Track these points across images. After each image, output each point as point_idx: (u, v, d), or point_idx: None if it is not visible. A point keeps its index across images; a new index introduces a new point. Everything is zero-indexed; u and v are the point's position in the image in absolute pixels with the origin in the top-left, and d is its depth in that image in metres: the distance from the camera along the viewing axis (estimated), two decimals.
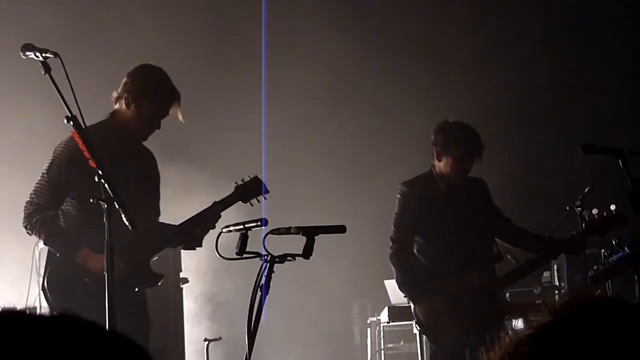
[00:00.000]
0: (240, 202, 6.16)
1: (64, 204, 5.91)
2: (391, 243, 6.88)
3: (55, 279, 5.86)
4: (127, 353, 1.25)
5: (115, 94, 6.01)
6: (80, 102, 5.08)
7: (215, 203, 6.04)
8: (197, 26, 10.65)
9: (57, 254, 5.85)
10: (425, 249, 6.88)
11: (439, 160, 6.83)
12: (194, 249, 6.31)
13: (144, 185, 6.05)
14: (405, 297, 7.01)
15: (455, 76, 10.98)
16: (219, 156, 10.36)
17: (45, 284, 5.87)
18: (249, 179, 6.16)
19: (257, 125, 10.57)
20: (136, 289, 5.93)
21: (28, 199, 5.87)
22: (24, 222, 5.84)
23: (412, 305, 6.89)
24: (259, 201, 6.18)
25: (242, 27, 10.91)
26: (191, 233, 6.05)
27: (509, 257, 7.33)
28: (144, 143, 6.19)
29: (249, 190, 6.12)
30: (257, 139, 10.47)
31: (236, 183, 6.15)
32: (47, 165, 5.89)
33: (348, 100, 11.23)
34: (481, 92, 10.61)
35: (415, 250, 6.89)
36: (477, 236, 6.86)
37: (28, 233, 5.88)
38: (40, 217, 5.79)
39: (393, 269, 6.88)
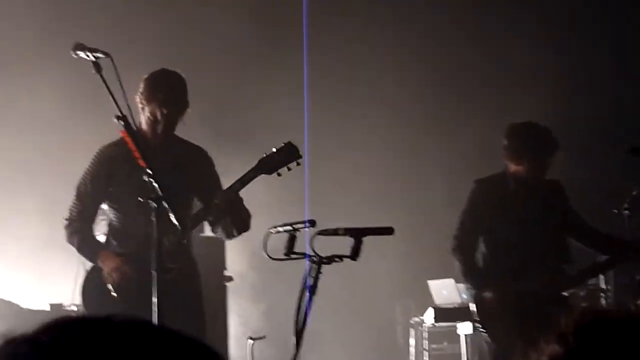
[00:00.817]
0: (264, 175, 5.86)
1: (107, 210, 6.08)
2: (454, 239, 6.88)
3: (86, 286, 6.07)
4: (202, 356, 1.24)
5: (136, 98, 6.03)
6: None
7: (235, 182, 5.86)
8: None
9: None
10: (491, 248, 6.87)
11: (514, 163, 6.84)
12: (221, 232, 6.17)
13: (174, 189, 5.90)
14: (468, 288, 6.95)
15: (504, 77, 10.93)
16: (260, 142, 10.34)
17: (81, 290, 6.10)
18: (281, 146, 5.89)
19: (300, 112, 10.56)
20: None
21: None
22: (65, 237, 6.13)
23: (473, 294, 6.85)
24: (289, 169, 5.91)
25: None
26: (206, 217, 6.04)
27: None
28: (186, 140, 6.20)
29: (276, 159, 5.86)
30: (300, 127, 10.48)
31: (264, 154, 5.89)
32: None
33: (397, 89, 11.15)
34: (530, 94, 10.53)
35: (480, 249, 6.89)
36: (545, 237, 6.83)
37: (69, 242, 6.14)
38: (71, 230, 6.07)
39: (455, 261, 6.88)
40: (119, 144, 5.78)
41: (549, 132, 6.84)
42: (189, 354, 1.21)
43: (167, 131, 5.99)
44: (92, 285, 5.99)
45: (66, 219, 6.08)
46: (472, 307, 6.87)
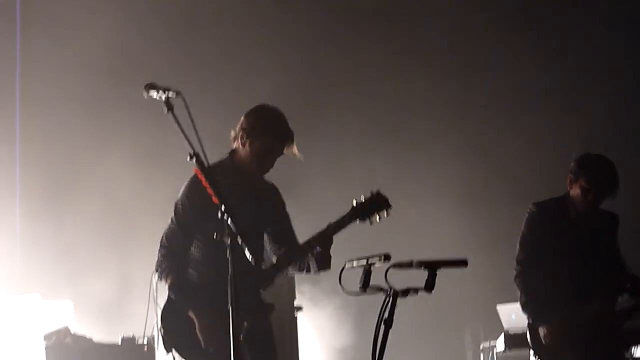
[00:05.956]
0: (357, 221, 6.01)
1: (192, 247, 6.06)
2: (516, 264, 6.86)
3: (168, 315, 6.04)
4: None
5: (232, 133, 6.13)
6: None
7: (329, 225, 5.98)
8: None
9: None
10: (547, 272, 6.81)
11: (570, 188, 6.81)
12: (317, 272, 6.21)
13: (258, 223, 6.08)
14: (527, 318, 6.90)
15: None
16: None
17: (160, 316, 6.09)
18: (370, 195, 6.04)
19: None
20: (245, 323, 5.83)
21: (161, 241, 6.03)
22: (156, 266, 6.01)
23: (530, 325, 6.83)
24: (380, 218, 6.04)
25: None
26: (301, 258, 6.07)
27: None
28: (266, 177, 6.25)
29: (369, 207, 6.00)
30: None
31: (355, 201, 6.03)
32: (173, 209, 6.05)
33: (459, 117, 11.16)
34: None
35: (538, 276, 6.82)
36: (599, 266, 6.79)
37: (158, 277, 6.03)
38: (168, 265, 5.97)
39: (517, 290, 6.84)
40: (215, 168, 5.66)
41: (612, 171, 6.77)
42: None
43: (272, 165, 6.11)
44: (175, 318, 5.97)
45: (165, 247, 5.99)
46: (528, 336, 6.83)
